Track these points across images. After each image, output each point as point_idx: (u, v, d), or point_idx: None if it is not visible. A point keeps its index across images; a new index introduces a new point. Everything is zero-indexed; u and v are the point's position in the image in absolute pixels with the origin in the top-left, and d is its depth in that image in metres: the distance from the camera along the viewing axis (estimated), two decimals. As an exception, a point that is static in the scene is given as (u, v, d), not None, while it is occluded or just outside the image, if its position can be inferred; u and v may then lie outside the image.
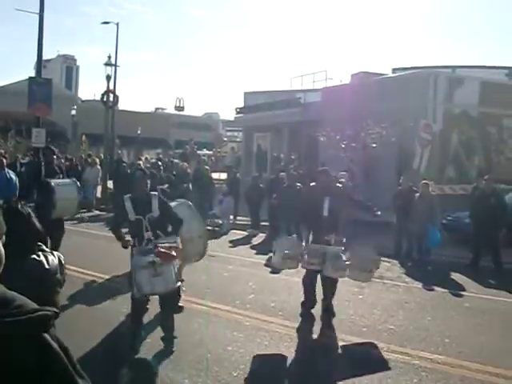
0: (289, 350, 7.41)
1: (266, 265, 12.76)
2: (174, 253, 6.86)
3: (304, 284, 8.79)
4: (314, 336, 8.04)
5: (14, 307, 1.45)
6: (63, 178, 11.35)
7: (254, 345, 7.47)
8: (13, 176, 14.59)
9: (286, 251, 8.55)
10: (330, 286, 8.57)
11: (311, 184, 9.38)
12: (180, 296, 8.65)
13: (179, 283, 7.12)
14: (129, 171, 22.20)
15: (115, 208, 7.65)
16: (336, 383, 6.43)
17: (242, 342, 7.56)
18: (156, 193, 7.49)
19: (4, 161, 16.80)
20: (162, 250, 6.79)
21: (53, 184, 10.77)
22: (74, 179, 11.09)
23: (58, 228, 10.93)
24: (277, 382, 6.33)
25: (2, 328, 1.40)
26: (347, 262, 8.31)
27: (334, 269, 8.23)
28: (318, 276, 8.57)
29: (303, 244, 8.68)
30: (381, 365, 6.90)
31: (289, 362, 7.07)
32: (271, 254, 9.26)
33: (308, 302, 8.80)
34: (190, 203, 9.45)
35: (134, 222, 7.09)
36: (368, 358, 7.17)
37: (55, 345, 1.47)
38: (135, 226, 7.11)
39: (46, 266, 2.85)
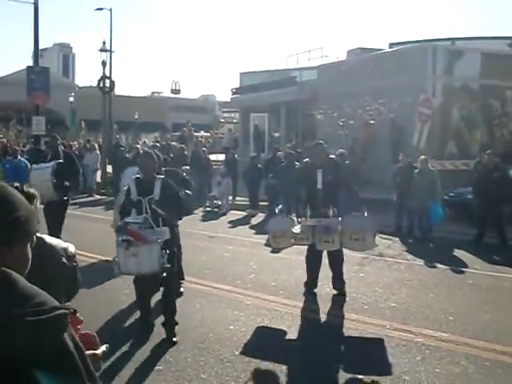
0: (290, 328, 7.34)
1: (265, 244, 12.69)
2: (147, 236, 6.62)
3: (306, 261, 8.79)
4: (316, 314, 7.95)
5: (33, 305, 1.44)
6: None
7: (256, 323, 7.42)
8: (23, 164, 14.75)
9: (275, 231, 8.57)
10: (334, 262, 8.62)
11: (305, 160, 9.39)
12: (182, 281, 8.55)
13: (163, 267, 6.64)
14: (127, 155, 22.23)
15: (116, 191, 7.53)
16: (338, 361, 6.33)
17: (244, 321, 7.52)
18: (161, 176, 7.30)
19: (17, 148, 17.12)
20: (137, 230, 6.60)
21: (32, 168, 11.00)
22: (56, 162, 10.91)
23: (58, 212, 11.01)
24: (278, 360, 6.23)
25: (21, 328, 1.38)
26: (340, 232, 8.16)
27: (323, 241, 8.19)
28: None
29: (295, 221, 8.62)
30: (383, 343, 6.79)
31: (290, 340, 7.00)
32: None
33: (310, 281, 8.76)
34: None
35: (136, 203, 6.97)
36: (370, 336, 7.07)
37: (71, 345, 1.46)
38: (136, 206, 6.98)
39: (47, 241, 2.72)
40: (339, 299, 8.44)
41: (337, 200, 8.68)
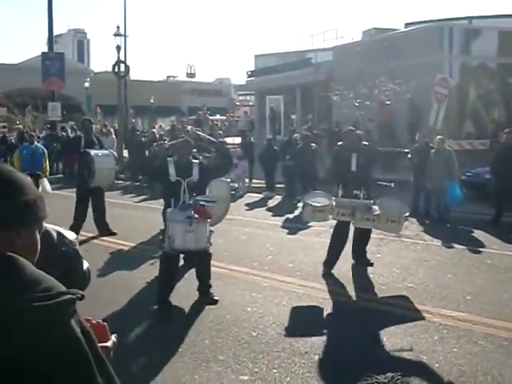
0: (307, 309, 7.36)
1: (282, 226, 12.72)
2: (210, 213, 7.20)
3: (334, 236, 8.93)
4: (333, 295, 7.93)
5: (40, 290, 1.41)
6: (100, 148, 11.81)
7: (273, 305, 7.44)
8: (40, 150, 14.90)
9: (317, 204, 8.75)
10: (362, 236, 9.11)
11: (339, 143, 9.62)
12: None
13: (209, 245, 7.34)
14: (143, 139, 22.32)
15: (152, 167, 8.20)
16: (355, 342, 6.34)
17: (261, 302, 7.54)
18: (197, 160, 7.86)
19: (34, 134, 17.32)
20: (201, 207, 7.10)
21: (92, 154, 11.29)
22: (111, 150, 11.51)
23: (98, 198, 11.66)
24: (296, 340, 6.26)
25: (27, 314, 1.36)
26: (376, 213, 8.54)
27: (365, 219, 8.53)
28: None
29: (333, 198, 8.85)
30: (401, 322, 6.80)
31: (308, 320, 7.01)
32: (299, 208, 9.52)
33: (332, 259, 8.82)
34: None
35: (174, 184, 7.42)
36: (387, 316, 7.07)
37: (78, 331, 1.44)
38: (174, 187, 7.41)
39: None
40: (356, 280, 8.45)
41: (368, 183, 9.02)
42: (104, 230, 11.63)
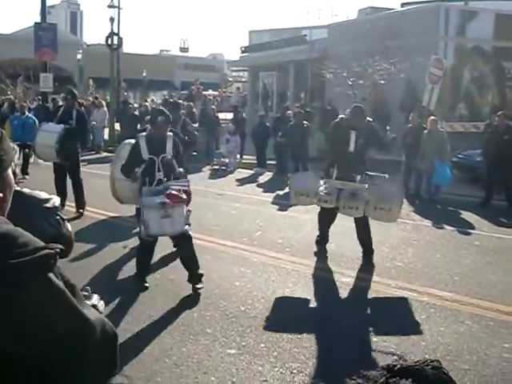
0: (296, 285, 7.38)
1: (272, 202, 12.71)
2: (184, 196, 6.81)
3: (318, 220, 8.65)
4: (322, 272, 7.96)
5: (17, 246, 1.38)
6: (77, 123, 11.13)
7: (262, 280, 7.46)
8: (31, 121, 14.71)
9: (298, 188, 8.40)
10: (361, 227, 8.27)
11: (339, 117, 9.05)
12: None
13: (187, 227, 6.96)
14: (136, 112, 22.21)
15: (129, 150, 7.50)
16: (343, 318, 6.38)
17: (250, 277, 7.56)
18: (171, 134, 7.31)
19: (25, 105, 17.09)
20: (173, 192, 6.74)
21: (41, 128, 11.14)
22: (65, 127, 10.80)
23: (70, 174, 11.22)
24: (284, 316, 6.29)
25: (4, 271, 1.33)
26: (361, 201, 7.95)
27: (347, 207, 8.00)
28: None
29: (321, 180, 8.39)
30: (388, 301, 6.84)
31: (295, 296, 7.04)
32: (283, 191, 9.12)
33: (321, 239, 8.68)
34: None
35: (147, 162, 7.02)
36: (375, 294, 7.12)
37: (60, 284, 1.41)
38: (148, 165, 7.02)
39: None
40: (346, 258, 8.45)
41: (365, 164, 8.47)
42: (79, 203, 11.23)
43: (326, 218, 8.51)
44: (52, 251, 1.42)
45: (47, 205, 2.76)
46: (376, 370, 1.15)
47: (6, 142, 1.64)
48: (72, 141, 10.80)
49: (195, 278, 6.97)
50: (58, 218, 2.79)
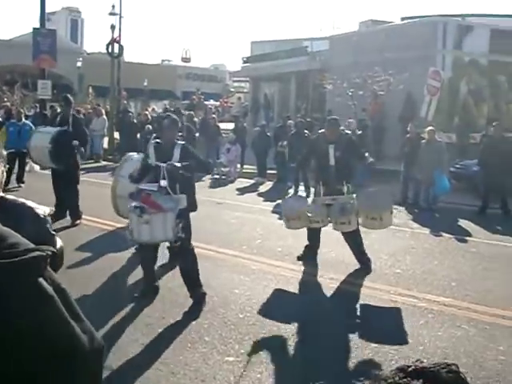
0: (295, 293, 7.45)
1: (272, 212, 12.78)
2: (161, 204, 6.53)
3: (307, 234, 8.71)
4: (322, 280, 8.03)
5: (5, 246, 1.30)
6: (73, 127, 11.02)
7: (261, 288, 7.50)
8: (28, 127, 14.58)
9: (288, 213, 8.44)
10: (349, 239, 8.37)
11: (319, 132, 9.17)
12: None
13: (173, 237, 6.56)
14: (135, 121, 22.21)
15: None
16: (342, 324, 6.45)
17: (249, 285, 7.59)
18: (181, 142, 7.06)
19: (21, 111, 16.90)
20: (151, 197, 6.51)
21: (35, 132, 11.08)
22: (59, 129, 10.65)
23: (66, 182, 10.93)
24: (283, 323, 6.35)
25: None
26: (357, 210, 8.03)
27: (339, 223, 8.07)
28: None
29: (308, 200, 8.50)
30: (387, 307, 6.93)
31: (295, 304, 7.10)
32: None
33: (310, 247, 8.75)
34: None
35: (153, 168, 6.80)
36: (374, 300, 7.20)
37: (50, 289, 1.33)
38: (153, 171, 6.80)
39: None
40: (345, 265, 8.51)
41: (350, 175, 8.57)
42: (72, 214, 11.01)
43: (312, 233, 8.60)
44: (43, 253, 1.34)
45: (38, 212, 2.70)
46: (390, 371, 1.16)
47: None
48: (68, 145, 10.67)
49: (194, 295, 6.79)
50: (48, 227, 2.73)
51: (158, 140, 7.08)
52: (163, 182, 6.64)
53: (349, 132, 9.52)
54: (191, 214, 6.92)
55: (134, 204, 6.57)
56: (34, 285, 1.29)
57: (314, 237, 8.66)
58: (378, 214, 8.02)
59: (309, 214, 8.17)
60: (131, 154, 10.02)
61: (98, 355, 1.42)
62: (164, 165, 6.62)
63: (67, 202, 10.97)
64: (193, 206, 7.09)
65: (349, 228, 8.09)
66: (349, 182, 8.37)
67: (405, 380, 1.11)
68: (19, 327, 1.25)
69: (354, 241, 8.35)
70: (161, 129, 7.31)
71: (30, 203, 2.75)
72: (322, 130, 9.02)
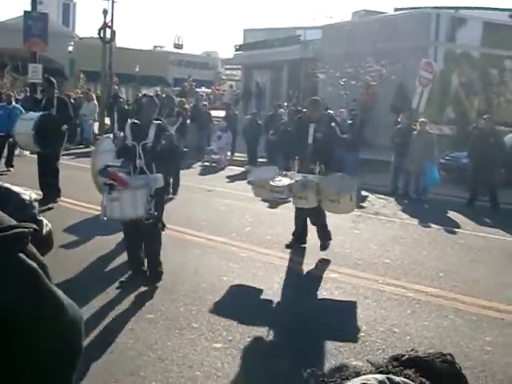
0: (283, 280, 7.45)
1: (262, 200, 12.76)
2: (128, 180, 6.51)
3: (294, 216, 8.77)
4: (310, 268, 8.05)
5: None
6: (57, 111, 10.97)
7: (249, 275, 7.51)
8: (18, 111, 14.40)
9: (254, 181, 8.56)
10: (313, 216, 8.44)
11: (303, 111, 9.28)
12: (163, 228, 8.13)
13: (145, 214, 6.49)
14: (126, 107, 22.06)
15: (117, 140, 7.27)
16: (330, 313, 6.48)
17: (238, 272, 7.60)
18: (158, 121, 7.01)
19: (11, 94, 16.71)
20: (120, 174, 6.48)
21: (20, 117, 11.07)
22: (41, 114, 10.58)
23: (45, 164, 10.92)
24: (270, 310, 6.37)
25: None
26: (318, 191, 7.98)
27: (297, 197, 8.11)
28: None
29: (279, 173, 8.47)
30: (375, 296, 6.95)
31: (283, 292, 7.09)
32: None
33: (297, 233, 8.77)
34: None
35: (130, 148, 6.77)
36: (362, 290, 7.21)
37: (33, 264, 1.31)
38: (130, 151, 6.75)
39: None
40: (333, 254, 8.50)
41: (327, 157, 8.48)
42: (47, 195, 10.81)
43: (297, 213, 8.65)
44: (26, 230, 1.33)
45: (24, 197, 2.70)
46: (383, 359, 1.14)
47: None
48: (52, 128, 10.59)
49: (154, 271, 6.88)
50: (34, 213, 2.74)
51: (135, 120, 7.05)
52: (140, 163, 6.67)
53: (331, 112, 9.51)
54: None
55: (104, 181, 6.58)
56: (16, 260, 1.27)
57: (300, 224, 8.68)
58: (337, 197, 7.96)
59: (271, 183, 8.20)
60: (108, 134, 10.12)
61: (80, 323, 1.40)
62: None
63: (48, 180, 10.96)
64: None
65: (306, 204, 8.11)
66: (323, 163, 8.33)
67: (397, 369, 1.09)
68: (4, 302, 1.23)
69: (316, 219, 8.42)
70: (139, 108, 7.27)
71: (15, 188, 2.69)
72: (305, 110, 9.12)
